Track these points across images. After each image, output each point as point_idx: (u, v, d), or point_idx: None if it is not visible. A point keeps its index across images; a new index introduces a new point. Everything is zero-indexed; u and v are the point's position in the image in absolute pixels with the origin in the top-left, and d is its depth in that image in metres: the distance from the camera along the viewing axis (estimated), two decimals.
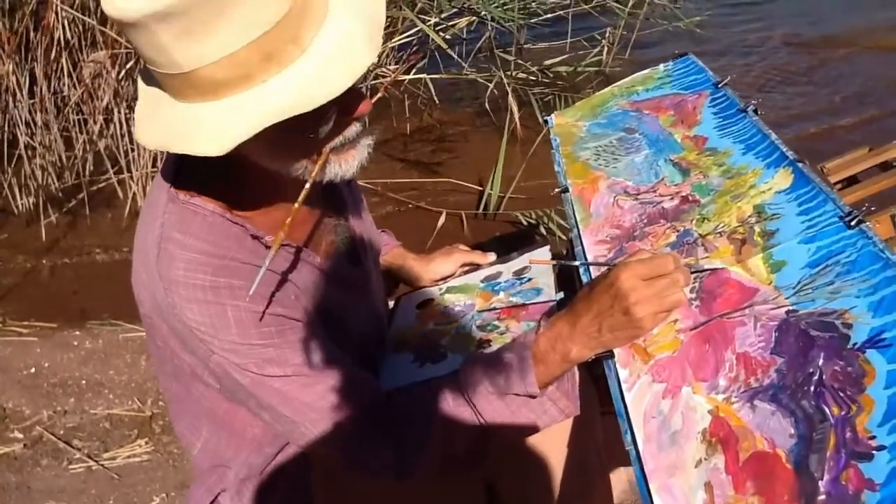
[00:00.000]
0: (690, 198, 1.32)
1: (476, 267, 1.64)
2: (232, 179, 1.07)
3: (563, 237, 3.29)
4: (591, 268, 1.21)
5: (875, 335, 0.89)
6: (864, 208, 1.07)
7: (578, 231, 1.41)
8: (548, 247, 1.59)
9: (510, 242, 3.32)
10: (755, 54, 5.19)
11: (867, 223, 1.05)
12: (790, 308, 0.99)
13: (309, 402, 1.05)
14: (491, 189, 3.53)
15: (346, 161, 1.06)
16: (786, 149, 1.29)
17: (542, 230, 3.33)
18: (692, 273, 1.08)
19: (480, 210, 3.57)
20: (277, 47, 0.86)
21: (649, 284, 1.01)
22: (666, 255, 1.03)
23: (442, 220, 3.47)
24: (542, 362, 1.08)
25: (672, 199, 1.34)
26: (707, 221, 1.24)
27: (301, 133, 0.95)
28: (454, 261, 1.63)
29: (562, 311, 1.09)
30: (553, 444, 1.20)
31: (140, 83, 1.02)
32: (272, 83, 0.88)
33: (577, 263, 1.30)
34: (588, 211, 1.45)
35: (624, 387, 1.03)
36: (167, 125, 0.95)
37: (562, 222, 3.31)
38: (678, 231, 1.26)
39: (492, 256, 1.64)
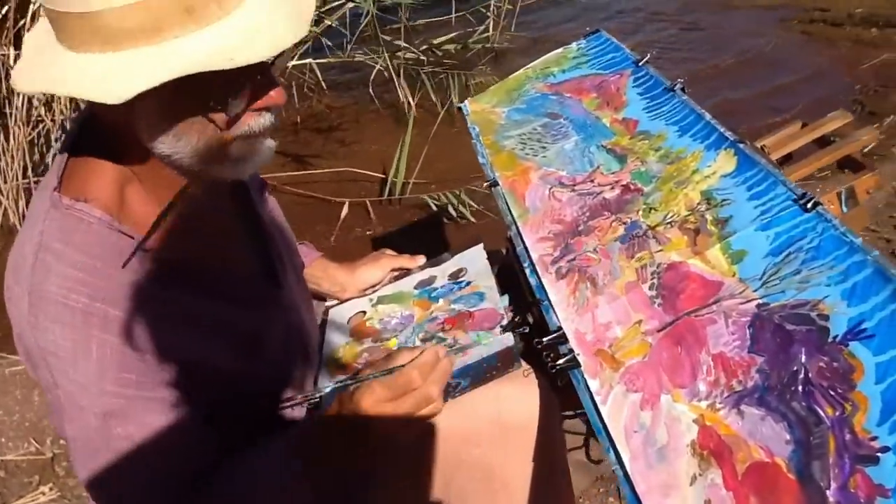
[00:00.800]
0: (632, 186, 1.27)
1: (406, 272, 1.55)
2: (121, 181, 0.95)
3: (473, 220, 3.24)
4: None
5: (854, 326, 0.86)
6: (819, 190, 1.04)
7: (517, 228, 1.34)
8: (480, 245, 1.52)
9: (421, 228, 3.25)
10: (639, 18, 5.27)
11: (823, 205, 1.02)
12: (760, 301, 0.95)
13: (131, 471, 0.93)
14: (395, 175, 3.44)
15: (246, 158, 0.95)
16: (723, 129, 1.26)
17: (452, 212, 3.26)
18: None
19: (385, 196, 3.46)
20: (200, 2, 0.78)
21: (397, 406, 0.91)
22: (410, 370, 0.91)
23: (345, 210, 3.35)
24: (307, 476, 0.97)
25: (612, 188, 1.29)
26: (654, 211, 1.19)
27: (204, 102, 0.85)
28: (382, 267, 1.54)
29: (338, 410, 0.95)
30: (518, 458, 1.14)
31: (26, 39, 0.90)
32: (187, 40, 0.79)
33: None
34: (524, 206, 1.39)
35: (597, 399, 0.97)
36: (57, 71, 0.82)
37: (472, 203, 3.26)
38: (625, 223, 1.21)
39: (421, 259, 1.55)
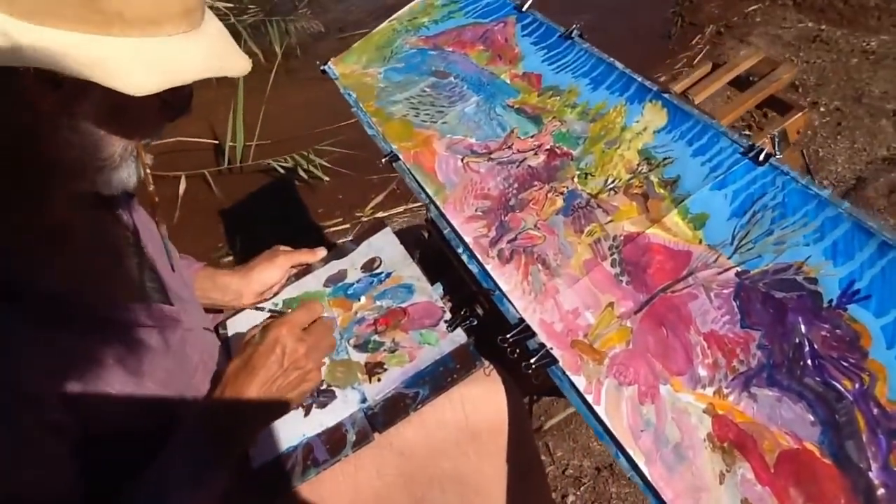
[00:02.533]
0: (558, 150, 1.19)
1: (307, 268, 1.39)
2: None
3: (327, 178, 3.07)
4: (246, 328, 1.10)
5: (847, 287, 0.83)
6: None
7: (438, 208, 1.23)
8: (388, 229, 1.39)
9: (270, 194, 3.04)
10: None
11: (775, 155, 0.99)
12: (738, 269, 0.91)
13: None
14: (232, 140, 3.17)
15: (138, 166, 0.89)
16: (640, 77, 1.20)
17: (302, 174, 3.07)
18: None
19: (226, 166, 3.20)
20: (193, 5, 0.78)
21: (310, 332, 1.00)
22: (314, 301, 1.05)
23: (183, 184, 3.07)
24: (216, 465, 0.92)
25: (536, 153, 1.21)
26: (591, 177, 1.12)
27: (146, 106, 0.80)
28: (279, 265, 1.37)
29: (214, 398, 0.96)
30: (491, 463, 1.06)
31: None
32: (183, 40, 0.77)
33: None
34: (437, 180, 1.27)
35: (588, 399, 0.90)
36: (50, 47, 0.71)
37: (323, 162, 3.08)
38: (561, 193, 1.13)
39: (322, 252, 1.41)
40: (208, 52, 0.79)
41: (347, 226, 2.83)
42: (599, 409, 0.89)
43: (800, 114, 1.10)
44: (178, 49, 0.76)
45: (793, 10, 3.60)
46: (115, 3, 0.71)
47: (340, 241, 2.73)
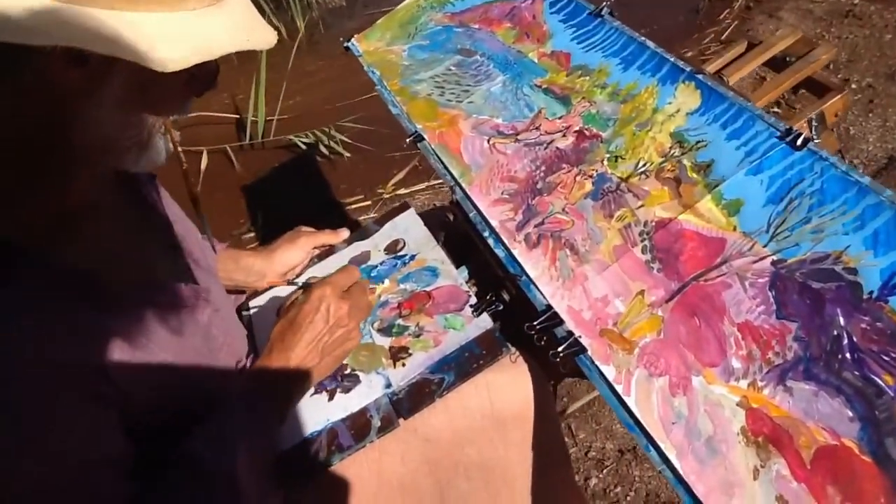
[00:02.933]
0: (587, 132, 1.16)
1: (330, 249, 1.38)
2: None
3: (348, 154, 3.05)
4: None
5: (889, 279, 0.80)
6: (784, 118, 0.98)
7: (463, 190, 1.21)
8: (412, 210, 1.37)
9: (291, 170, 3.02)
10: None
11: (814, 140, 0.96)
12: (774, 258, 0.88)
13: None
14: (254, 115, 3.16)
15: (167, 142, 0.87)
16: (673, 57, 1.17)
17: (323, 149, 3.05)
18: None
19: (247, 141, 3.19)
20: None
21: (350, 293, 1.05)
22: (350, 266, 1.11)
23: (204, 160, 3.07)
24: (271, 421, 0.99)
25: (564, 136, 1.18)
26: (621, 160, 1.09)
27: (173, 82, 0.78)
28: (301, 246, 1.36)
29: (263, 358, 1.01)
30: (517, 451, 1.05)
31: None
32: (206, 13, 0.75)
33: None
34: (462, 162, 1.25)
35: (618, 389, 0.88)
36: (77, 24, 0.69)
37: (343, 138, 3.06)
38: (590, 177, 1.10)
39: (345, 233, 1.39)
40: (234, 25, 0.77)
41: (369, 203, 2.82)
42: (629, 400, 0.87)
43: (839, 96, 1.06)
44: (203, 23, 0.74)
45: None
46: None
47: (364, 220, 2.71)
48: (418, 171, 2.95)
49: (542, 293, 1.02)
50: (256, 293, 1.36)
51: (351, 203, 2.84)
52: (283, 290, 1.33)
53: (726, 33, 3.35)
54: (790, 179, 0.94)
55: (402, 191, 2.85)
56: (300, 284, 1.28)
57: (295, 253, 1.35)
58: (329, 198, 2.88)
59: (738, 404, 0.81)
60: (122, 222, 0.96)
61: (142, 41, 0.69)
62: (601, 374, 0.91)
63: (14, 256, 0.75)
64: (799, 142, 0.96)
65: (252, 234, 2.74)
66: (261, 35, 0.81)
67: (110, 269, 0.87)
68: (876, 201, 0.86)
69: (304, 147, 3.10)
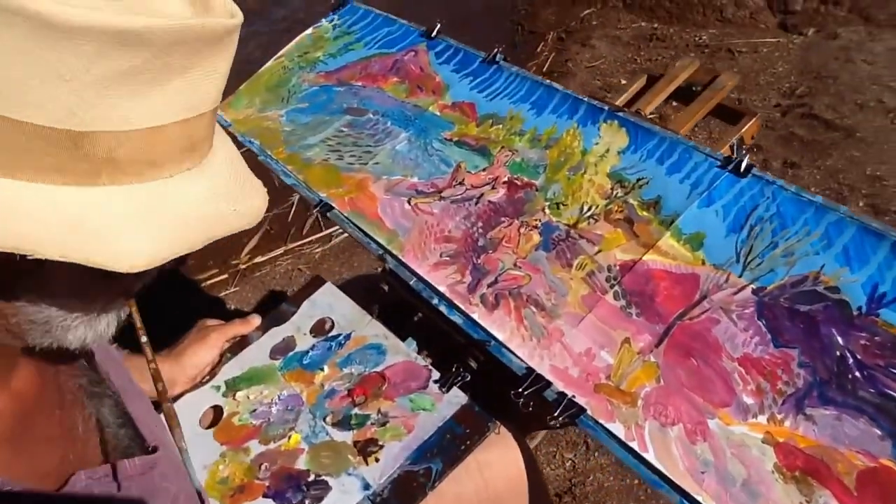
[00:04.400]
0: (517, 182, 1.13)
1: (243, 340, 1.25)
2: None
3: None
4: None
5: (872, 293, 0.83)
6: (744, 150, 1.00)
7: (395, 258, 1.13)
8: (329, 284, 1.27)
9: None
10: None
11: (755, 165, 0.98)
12: (753, 287, 0.89)
13: None
14: None
15: (120, 311, 0.69)
16: (586, 98, 1.17)
17: None
18: None
19: None
20: (200, 136, 0.59)
21: None
22: None
23: None
24: None
25: (494, 188, 1.14)
26: (563, 207, 1.07)
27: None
28: (212, 344, 1.21)
29: None
30: None
31: None
32: (183, 180, 0.58)
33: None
34: (386, 227, 1.18)
35: (633, 447, 0.84)
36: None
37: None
38: (535, 227, 1.07)
39: (256, 320, 1.26)
40: (218, 193, 0.61)
41: (226, 276, 2.64)
42: (649, 456, 0.83)
43: (753, 119, 1.10)
44: (180, 196, 0.58)
45: (624, 12, 3.76)
46: (105, 144, 0.53)
47: (225, 296, 2.54)
48: (271, 235, 2.81)
49: (517, 356, 0.96)
50: (167, 399, 1.20)
51: (205, 279, 2.65)
52: (197, 395, 1.19)
53: (547, 65, 3.50)
54: (745, 206, 0.95)
55: (259, 258, 2.71)
56: (225, 386, 1.15)
57: (206, 352, 1.21)
58: (179, 277, 2.67)
59: (763, 441, 0.80)
60: (57, 408, 0.78)
61: (99, 230, 0.53)
62: (609, 433, 0.86)
63: None
64: (742, 168, 0.97)
65: None
66: (250, 202, 0.64)
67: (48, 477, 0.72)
68: (836, 218, 0.88)
69: None
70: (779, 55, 3.15)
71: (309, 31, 1.64)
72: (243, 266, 2.67)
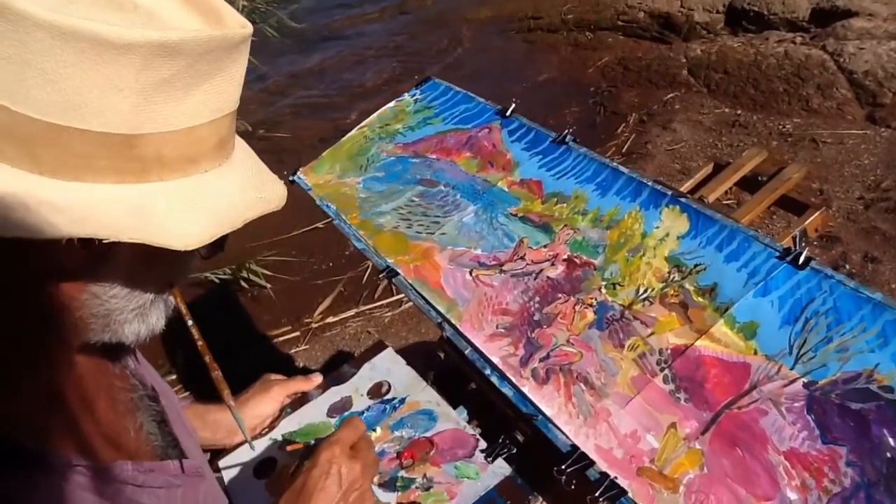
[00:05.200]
0: (577, 260, 1.16)
1: (303, 397, 1.30)
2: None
3: (268, 285, 2.95)
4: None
5: None
6: (803, 244, 1.00)
7: (453, 326, 1.16)
8: (390, 349, 1.31)
9: (212, 306, 2.89)
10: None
11: (815, 259, 0.98)
12: (805, 380, 0.88)
13: None
14: None
15: (167, 306, 0.78)
16: (650, 182, 1.19)
17: (244, 284, 2.94)
18: None
19: None
20: (227, 133, 0.70)
21: (358, 449, 0.96)
22: (356, 418, 1.01)
23: None
24: None
25: (553, 264, 1.17)
26: (620, 287, 1.09)
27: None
28: (274, 397, 1.27)
29: None
30: None
31: None
32: (217, 175, 0.69)
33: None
34: (446, 296, 1.21)
35: None
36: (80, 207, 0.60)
37: (264, 271, 2.97)
38: (590, 305, 1.09)
39: (318, 379, 1.31)
40: (245, 183, 0.71)
41: (298, 333, 2.72)
42: None
43: (817, 212, 1.10)
44: (217, 187, 0.68)
45: (708, 97, 3.78)
46: (153, 144, 0.62)
47: (294, 353, 2.61)
48: (344, 297, 2.89)
49: (563, 433, 0.97)
50: (225, 451, 1.25)
51: (278, 336, 2.73)
52: (257, 446, 1.23)
53: (626, 145, 3.53)
54: (801, 299, 0.94)
55: (331, 319, 2.78)
56: (281, 439, 1.19)
57: (268, 404, 1.26)
58: (254, 332, 2.76)
59: None
60: (110, 401, 0.86)
61: (158, 218, 0.62)
62: None
63: (18, 457, 0.65)
64: (801, 261, 0.97)
65: (175, 376, 2.58)
66: (272, 190, 0.74)
67: (100, 457, 0.77)
68: (894, 317, 0.87)
69: (219, 283, 2.98)
70: (865, 147, 3.10)
71: (392, 104, 1.73)
72: (315, 325, 2.74)
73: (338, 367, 1.33)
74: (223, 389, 0.92)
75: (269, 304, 2.88)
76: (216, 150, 0.68)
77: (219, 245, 0.78)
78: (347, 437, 0.96)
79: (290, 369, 2.40)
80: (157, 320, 0.78)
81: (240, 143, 0.76)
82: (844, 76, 3.50)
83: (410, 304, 2.69)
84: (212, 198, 0.67)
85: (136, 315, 0.74)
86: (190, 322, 0.81)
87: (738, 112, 3.58)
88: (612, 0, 4.94)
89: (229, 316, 2.82)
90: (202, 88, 0.63)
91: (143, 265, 0.70)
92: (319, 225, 3.16)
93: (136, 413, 0.89)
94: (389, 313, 2.74)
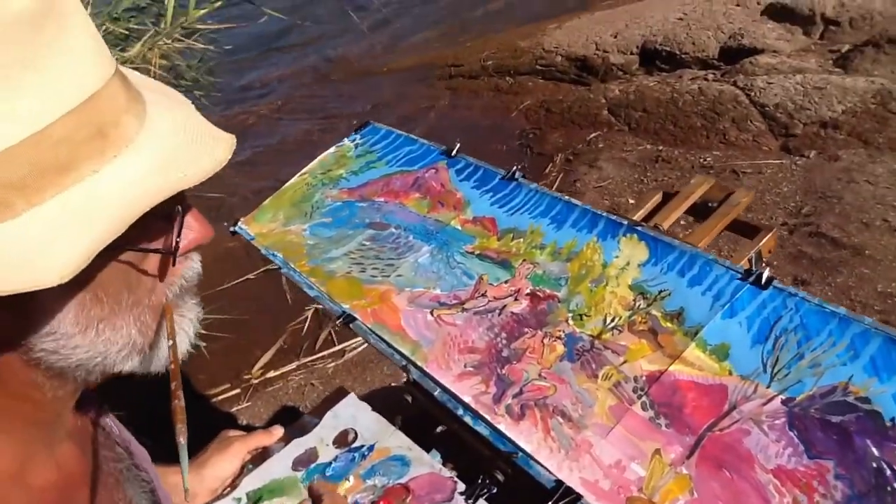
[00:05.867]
0: (541, 294, 1.15)
1: (265, 452, 1.23)
2: None
3: (202, 343, 2.85)
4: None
5: None
6: (763, 264, 1.02)
7: (419, 369, 1.13)
8: (352, 395, 1.27)
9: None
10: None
11: (777, 278, 1.00)
12: (783, 397, 0.88)
13: None
14: None
15: (183, 325, 0.68)
16: (605, 213, 1.20)
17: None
18: None
19: None
20: (112, 121, 0.56)
21: None
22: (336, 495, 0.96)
23: None
24: None
25: (516, 299, 1.16)
26: (587, 318, 1.08)
27: (144, 252, 0.62)
28: (234, 454, 1.20)
29: None
30: None
31: None
32: (112, 169, 0.56)
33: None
34: (409, 338, 1.18)
35: None
36: None
37: (228, 317, 2.86)
38: (559, 338, 1.08)
39: (279, 431, 1.25)
40: (160, 164, 0.57)
41: (238, 391, 2.62)
42: None
43: (769, 234, 1.13)
44: (116, 184, 0.55)
45: (630, 135, 3.89)
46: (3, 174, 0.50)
47: (236, 411, 2.51)
48: (284, 350, 2.81)
49: (545, 468, 0.95)
50: None
51: (216, 394, 2.63)
52: None
53: (556, 184, 3.58)
54: (768, 318, 0.96)
55: (272, 373, 2.70)
56: (246, 499, 1.13)
57: (228, 463, 1.19)
58: (190, 392, 2.65)
59: None
60: (106, 490, 0.78)
61: (20, 255, 0.50)
62: None
63: None
64: (763, 280, 0.99)
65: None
66: (201, 159, 0.60)
67: None
68: (861, 329, 0.89)
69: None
70: (782, 176, 3.23)
71: (332, 149, 1.70)
72: (255, 381, 2.66)
73: (296, 419, 1.27)
74: (179, 422, 0.68)
75: (203, 364, 2.78)
76: (94, 141, 0.54)
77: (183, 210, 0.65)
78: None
79: (233, 428, 2.31)
80: (164, 351, 0.67)
81: (170, 110, 0.63)
82: (757, 109, 3.66)
83: (354, 353, 2.64)
84: (103, 202, 0.54)
85: (130, 351, 0.64)
86: (170, 342, 0.70)
87: (660, 148, 3.69)
88: (529, 45, 5.07)
89: (161, 378, 2.69)
90: (27, 81, 0.51)
91: (91, 300, 0.59)
92: (251, 276, 3.08)
93: (124, 486, 0.81)
94: (332, 363, 2.68)
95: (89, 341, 0.60)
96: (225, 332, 2.88)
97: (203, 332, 2.84)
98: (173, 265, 0.65)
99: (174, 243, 0.63)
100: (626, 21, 4.89)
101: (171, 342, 0.67)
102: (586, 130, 4.04)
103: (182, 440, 0.68)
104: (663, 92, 3.98)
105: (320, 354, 2.75)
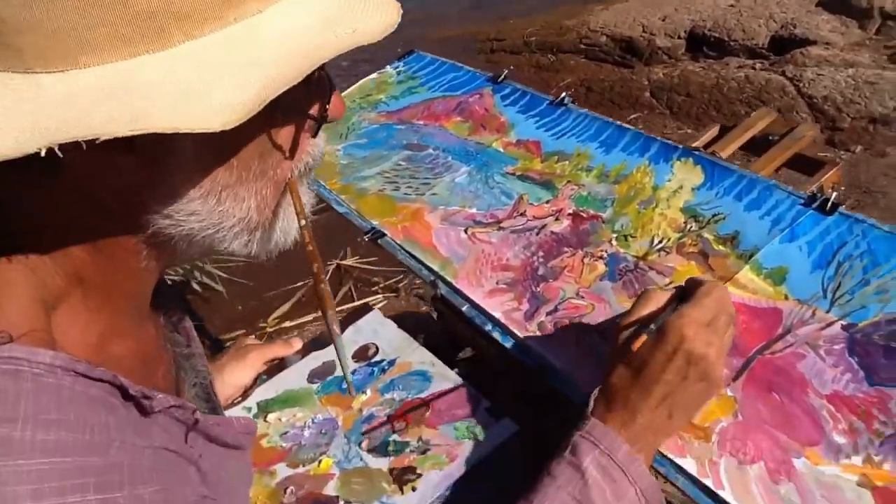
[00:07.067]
0: (584, 214, 1.08)
1: (281, 363, 1.19)
2: (45, 295, 0.52)
3: (222, 289, 2.81)
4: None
5: None
6: (832, 190, 0.94)
7: (449, 284, 1.08)
8: (376, 311, 1.22)
9: None
10: None
11: (843, 203, 0.93)
12: (843, 323, 0.81)
13: None
14: None
15: (301, 202, 0.64)
16: (659, 138, 1.13)
17: (196, 286, 2.80)
18: None
19: None
20: None
21: (714, 329, 0.75)
22: (716, 284, 0.78)
23: None
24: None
25: (557, 219, 1.09)
26: (632, 239, 1.02)
27: (296, 114, 0.57)
28: (251, 363, 1.16)
29: (595, 416, 0.77)
30: None
31: None
32: (274, 13, 0.49)
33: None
34: (440, 255, 1.12)
35: (708, 484, 0.75)
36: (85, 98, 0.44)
37: (219, 272, 2.83)
38: (601, 257, 1.01)
39: (298, 343, 1.21)
40: (327, 17, 0.51)
41: (253, 337, 2.57)
42: (725, 494, 0.74)
43: (833, 169, 1.06)
44: (278, 30, 0.49)
45: (671, 119, 3.80)
46: None
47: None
48: (302, 303, 2.76)
49: (577, 385, 0.89)
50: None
51: (229, 340, 2.59)
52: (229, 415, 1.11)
53: None
54: (831, 243, 0.89)
55: (288, 324, 2.65)
56: (257, 409, 1.08)
57: (244, 372, 1.15)
58: (205, 334, 2.62)
59: (859, 484, 0.71)
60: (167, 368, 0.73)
61: (177, 93, 0.45)
62: (679, 468, 0.78)
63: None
64: (828, 206, 0.92)
65: None
66: (368, 16, 0.53)
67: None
68: None
69: (170, 283, 2.82)
70: None
71: (374, 75, 1.65)
72: (270, 329, 2.61)
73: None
74: (329, 308, 0.67)
75: (222, 307, 2.75)
76: None
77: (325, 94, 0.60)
78: (702, 315, 0.76)
79: None
80: (284, 234, 0.64)
81: None
82: (804, 100, 3.55)
83: (375, 308, 2.58)
84: (266, 47, 0.49)
85: (237, 234, 0.59)
86: (302, 223, 0.64)
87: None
88: (575, 24, 4.98)
89: None
90: None
91: (216, 159, 0.54)
92: None
93: (182, 373, 0.77)
94: None
95: (207, 210, 0.55)
96: (247, 279, 2.84)
97: (225, 276, 2.80)
98: (314, 136, 0.61)
99: (320, 110, 0.59)
100: (675, 5, 4.78)
101: (302, 222, 0.64)
102: (626, 111, 3.94)
103: (336, 328, 0.65)
104: (708, 77, 3.88)
105: (339, 308, 2.70)
